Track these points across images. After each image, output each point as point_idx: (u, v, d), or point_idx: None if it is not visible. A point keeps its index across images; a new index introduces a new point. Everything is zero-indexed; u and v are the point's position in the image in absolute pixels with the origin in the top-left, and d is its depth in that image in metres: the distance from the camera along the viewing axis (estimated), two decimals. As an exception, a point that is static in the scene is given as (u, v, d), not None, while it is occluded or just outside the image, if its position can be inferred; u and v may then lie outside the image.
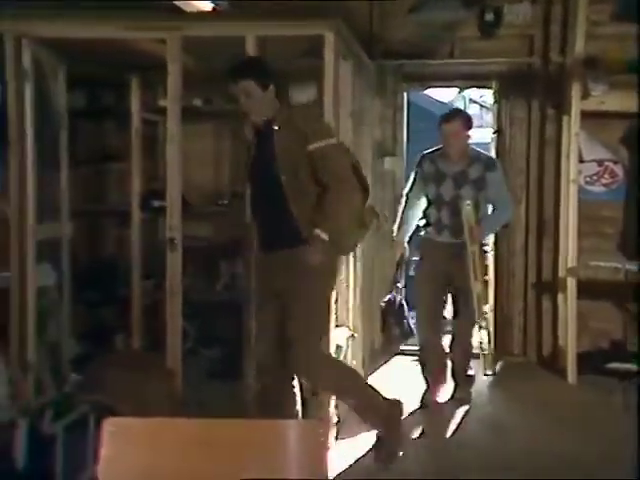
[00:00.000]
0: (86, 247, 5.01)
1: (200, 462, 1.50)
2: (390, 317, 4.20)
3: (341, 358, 3.79)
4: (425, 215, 4.03)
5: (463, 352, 4.12)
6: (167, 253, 3.49)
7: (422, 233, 4.09)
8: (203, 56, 3.95)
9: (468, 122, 3.90)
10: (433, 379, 4.08)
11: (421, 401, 4.03)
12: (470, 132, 3.89)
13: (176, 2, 3.55)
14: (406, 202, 4.12)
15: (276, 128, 2.96)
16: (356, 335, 4.13)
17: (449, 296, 4.14)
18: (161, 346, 3.48)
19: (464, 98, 8.92)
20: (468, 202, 3.83)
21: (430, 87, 6.02)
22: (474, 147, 4.00)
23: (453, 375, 4.14)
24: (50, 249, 3.86)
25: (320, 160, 2.88)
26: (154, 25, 3.44)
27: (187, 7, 3.61)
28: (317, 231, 2.82)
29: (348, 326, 3.99)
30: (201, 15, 3.58)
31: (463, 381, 4.15)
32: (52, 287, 3.86)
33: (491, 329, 4.45)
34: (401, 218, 4.14)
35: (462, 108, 7.14)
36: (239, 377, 3.57)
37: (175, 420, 1.56)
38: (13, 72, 3.45)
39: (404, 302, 4.22)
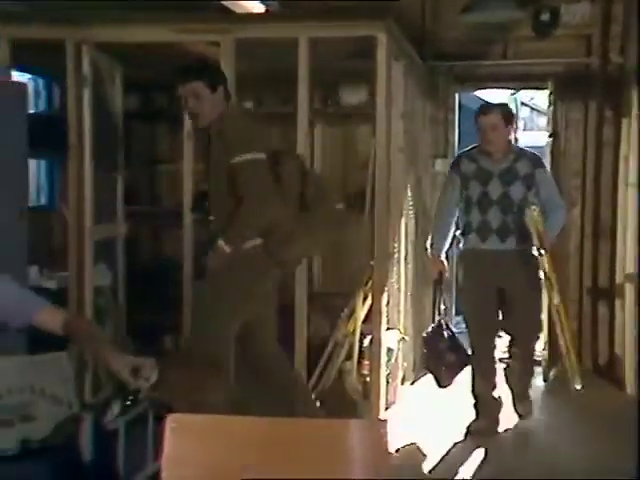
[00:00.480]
0: (139, 248, 5.10)
1: (261, 460, 1.50)
2: (440, 346, 3.60)
3: (392, 361, 3.77)
4: (464, 221, 3.56)
5: (525, 370, 3.73)
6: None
7: (461, 244, 3.64)
8: (255, 58, 3.99)
9: (508, 115, 3.55)
10: (487, 415, 3.60)
11: (469, 428, 3.57)
12: (511, 127, 3.56)
13: (227, 4, 3.57)
14: (440, 210, 3.70)
15: (211, 134, 2.95)
16: (407, 338, 4.09)
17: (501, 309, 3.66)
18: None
19: (515, 100, 8.78)
20: (533, 207, 3.41)
21: (482, 89, 5.94)
22: (515, 144, 3.73)
23: (513, 391, 3.71)
24: (106, 250, 3.94)
25: (238, 175, 2.83)
26: (208, 28, 3.49)
27: (239, 9, 3.63)
28: (220, 242, 2.84)
29: (399, 329, 3.96)
30: (254, 17, 3.60)
31: (524, 397, 3.75)
32: (108, 287, 3.94)
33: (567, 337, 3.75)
34: (435, 229, 3.71)
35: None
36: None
37: (237, 418, 1.56)
38: (73, 77, 3.53)
39: (451, 326, 3.74)
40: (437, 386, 3.63)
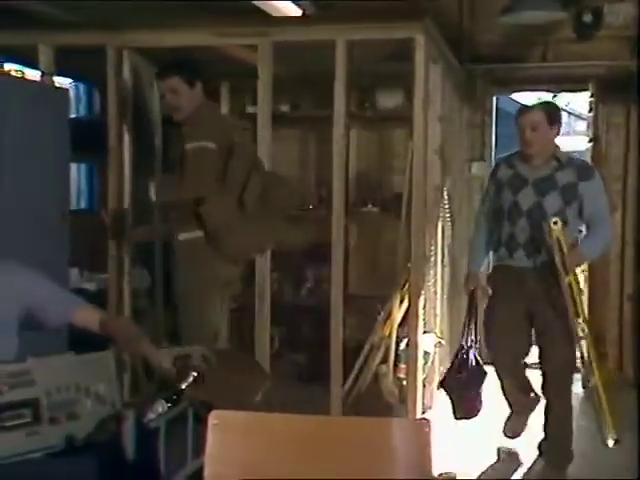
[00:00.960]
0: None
1: (302, 458, 1.50)
2: (462, 375, 3.20)
3: (428, 364, 3.74)
4: (496, 233, 3.18)
5: (562, 415, 3.18)
6: (256, 257, 3.54)
7: (494, 259, 3.29)
8: (291, 61, 4.01)
9: (553, 114, 3.11)
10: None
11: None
12: (556, 128, 3.11)
13: (264, 7, 3.59)
14: (477, 221, 3.36)
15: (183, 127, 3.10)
16: (443, 342, 4.06)
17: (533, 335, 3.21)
18: (246, 349, 3.52)
19: (553, 105, 8.68)
20: (555, 219, 2.90)
21: (520, 91, 5.88)
22: (567, 152, 3.26)
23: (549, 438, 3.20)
24: (144, 253, 3.98)
25: (185, 160, 3.02)
26: (245, 31, 3.51)
27: (275, 12, 3.65)
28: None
29: (435, 332, 3.93)
30: (291, 20, 3.62)
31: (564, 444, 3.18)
32: (146, 289, 3.98)
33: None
34: (472, 242, 3.40)
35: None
36: (323, 381, 3.56)
37: (278, 415, 1.56)
38: (114, 82, 3.59)
39: (478, 357, 3.25)
40: (453, 416, 3.29)
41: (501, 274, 3.19)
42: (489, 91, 4.97)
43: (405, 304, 3.60)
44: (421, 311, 3.50)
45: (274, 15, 3.62)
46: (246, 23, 3.53)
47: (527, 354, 3.24)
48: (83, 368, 1.98)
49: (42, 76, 3.59)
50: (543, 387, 3.17)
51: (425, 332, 3.66)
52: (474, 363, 3.21)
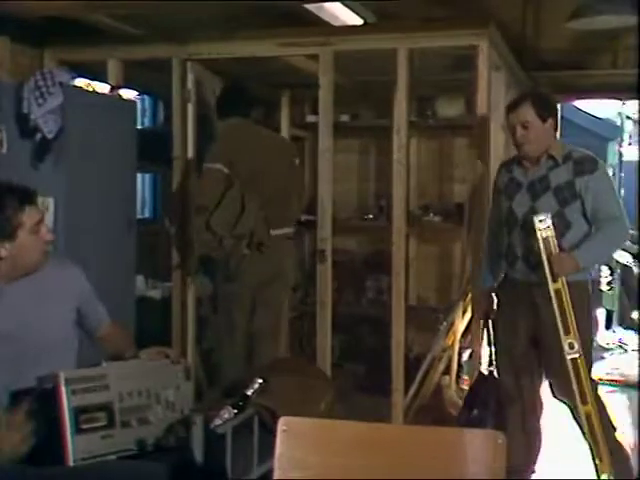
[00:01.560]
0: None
1: (370, 465, 1.48)
2: (483, 397, 2.87)
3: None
4: (500, 245, 2.89)
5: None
6: (317, 265, 3.55)
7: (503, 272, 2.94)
8: (351, 71, 4.01)
9: (544, 108, 2.75)
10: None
11: None
12: (552, 122, 2.75)
13: (325, 17, 3.60)
14: (486, 234, 3.07)
15: None
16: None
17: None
18: (307, 358, 3.53)
19: (620, 115, 8.35)
20: (541, 217, 2.58)
21: (585, 99, 5.74)
22: (569, 145, 2.87)
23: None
24: (206, 261, 4.04)
25: None
26: (307, 41, 3.53)
27: (336, 21, 3.66)
28: None
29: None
30: (353, 29, 3.62)
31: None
32: (208, 298, 4.03)
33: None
34: (483, 258, 3.08)
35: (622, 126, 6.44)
36: (383, 392, 3.53)
37: (347, 422, 1.55)
38: (179, 93, 3.67)
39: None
40: None
41: (505, 288, 2.89)
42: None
43: (468, 315, 3.54)
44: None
45: (335, 25, 3.63)
46: (308, 33, 3.56)
47: (536, 376, 2.87)
48: (153, 375, 2.02)
49: (111, 90, 3.70)
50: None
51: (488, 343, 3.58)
52: (494, 387, 2.86)
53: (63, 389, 1.82)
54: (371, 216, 4.78)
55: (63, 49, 3.75)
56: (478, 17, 3.36)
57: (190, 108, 3.72)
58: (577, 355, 2.56)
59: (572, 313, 2.57)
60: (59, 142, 3.16)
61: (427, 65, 3.88)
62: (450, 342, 3.61)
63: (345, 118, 4.71)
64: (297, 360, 3.11)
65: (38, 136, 3.13)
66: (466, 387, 3.47)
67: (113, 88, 3.68)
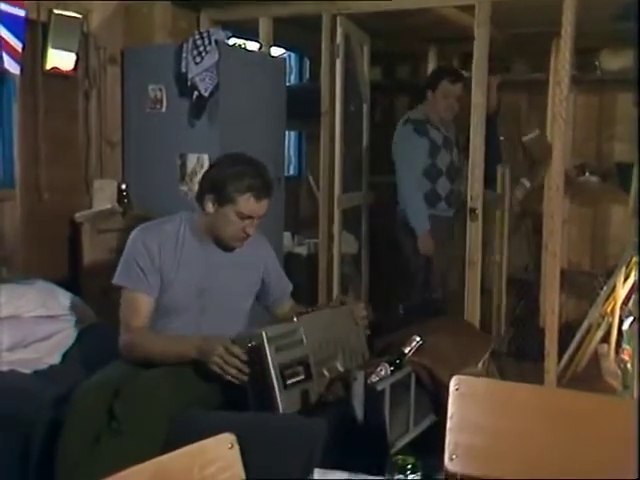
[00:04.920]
0: (380, 218, 5.16)
1: (543, 429, 1.40)
2: None
3: None
4: None
5: None
6: (467, 223, 3.43)
7: None
8: (506, 23, 3.79)
9: None
10: None
11: None
12: None
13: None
14: None
15: None
16: None
17: None
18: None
19: None
20: None
21: None
22: None
23: None
24: (352, 218, 4.03)
25: None
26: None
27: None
28: None
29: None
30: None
31: None
32: (352, 255, 4.03)
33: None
34: None
35: None
36: (533, 358, 3.40)
37: (521, 385, 1.48)
38: (328, 48, 3.63)
39: None
40: None
41: None
42: None
43: (630, 281, 3.30)
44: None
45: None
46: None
47: None
48: (337, 322, 2.02)
49: (260, 47, 3.73)
50: None
51: (652, 312, 3.34)
52: None
53: (267, 346, 1.85)
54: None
55: (218, 10, 3.80)
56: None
57: (338, 63, 3.68)
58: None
59: None
60: (214, 100, 3.23)
61: (591, 15, 3.58)
62: (610, 309, 3.39)
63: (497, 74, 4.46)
64: (454, 319, 3.02)
65: (195, 94, 3.22)
66: (627, 358, 3.25)
67: (262, 46, 3.70)
